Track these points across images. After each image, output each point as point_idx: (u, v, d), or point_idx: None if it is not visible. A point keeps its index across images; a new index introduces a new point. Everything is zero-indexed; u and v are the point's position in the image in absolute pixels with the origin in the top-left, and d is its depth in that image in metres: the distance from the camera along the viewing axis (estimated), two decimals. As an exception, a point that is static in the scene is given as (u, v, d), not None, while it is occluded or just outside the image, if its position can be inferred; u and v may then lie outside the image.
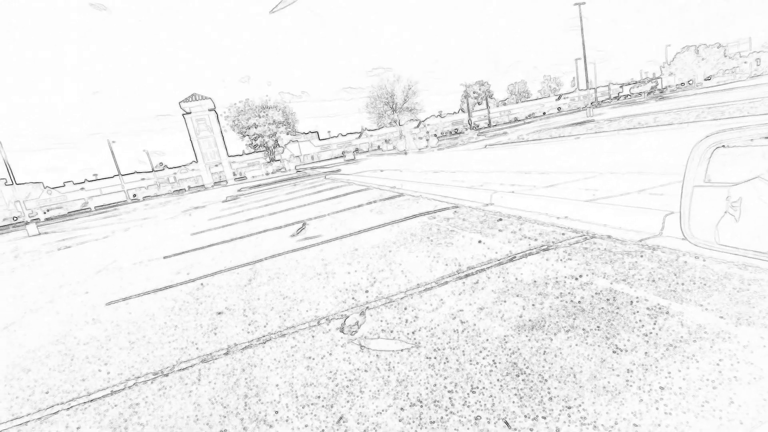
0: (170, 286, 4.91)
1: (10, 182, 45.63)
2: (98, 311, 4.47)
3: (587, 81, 45.66)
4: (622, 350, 2.01)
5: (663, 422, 1.54)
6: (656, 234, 3.49)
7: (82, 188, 52.56)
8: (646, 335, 2.09)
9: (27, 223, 21.54)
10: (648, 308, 2.34)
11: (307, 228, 3.95)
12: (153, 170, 55.37)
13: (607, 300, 2.52)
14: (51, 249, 12.40)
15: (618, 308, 2.40)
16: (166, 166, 55.85)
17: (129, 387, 2.60)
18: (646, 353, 1.95)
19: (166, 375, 2.66)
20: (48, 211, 46.89)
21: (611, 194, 4.71)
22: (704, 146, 1.02)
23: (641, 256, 3.08)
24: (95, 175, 53.24)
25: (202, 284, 4.72)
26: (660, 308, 2.31)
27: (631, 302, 2.44)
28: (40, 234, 20.70)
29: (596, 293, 2.63)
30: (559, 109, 70.48)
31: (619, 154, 7.94)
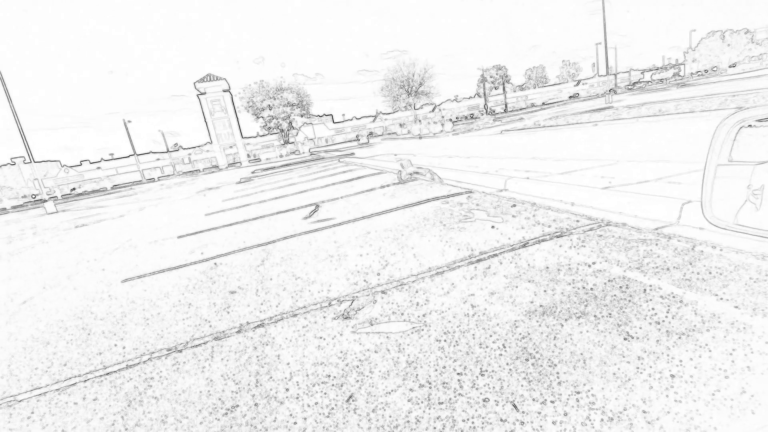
0: (184, 265, 5.01)
1: (28, 160, 46.61)
2: (114, 288, 4.59)
3: (607, 67, 44.26)
4: (633, 337, 1.99)
5: (672, 409, 1.53)
6: (673, 222, 3.42)
7: (99, 167, 53.47)
8: (659, 323, 2.07)
9: (45, 200, 22.07)
10: (661, 297, 2.31)
11: (320, 210, 3.96)
12: (168, 151, 55.98)
13: (620, 288, 2.49)
14: (68, 227, 12.72)
15: (630, 296, 2.37)
16: (181, 146, 56.38)
17: (144, 362, 2.68)
18: (657, 341, 1.93)
19: (180, 351, 2.73)
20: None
21: (628, 182, 4.61)
22: (730, 124, 0.99)
23: (656, 245, 3.03)
24: (111, 154, 54.05)
25: (215, 264, 4.81)
26: (674, 297, 2.28)
27: (644, 290, 2.41)
28: (57, 212, 21.22)
29: (609, 281, 2.60)
30: (576, 95, 68.61)
31: (638, 141, 7.75)
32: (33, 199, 46.97)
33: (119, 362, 2.73)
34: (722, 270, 2.48)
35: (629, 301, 2.33)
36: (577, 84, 70.68)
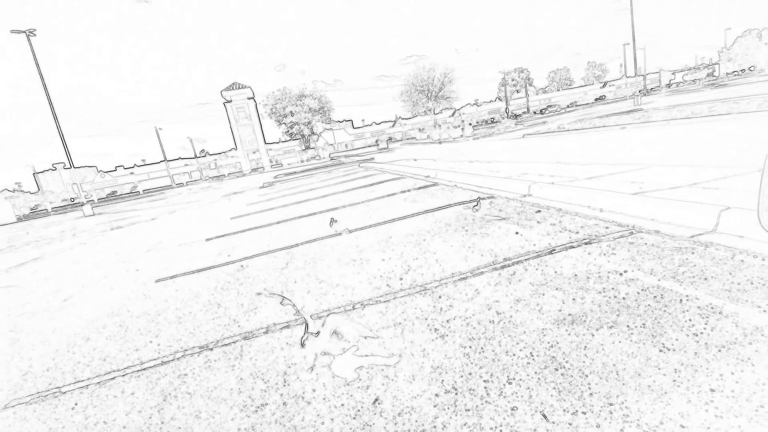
0: (212, 267, 5.16)
1: (68, 166, 49.01)
2: (148, 287, 4.77)
3: (636, 67, 42.87)
4: (669, 349, 1.93)
5: (713, 425, 1.48)
6: (710, 230, 3.29)
7: (132, 173, 55.75)
8: (696, 335, 2.00)
9: (83, 204, 23.16)
10: (699, 307, 2.22)
11: (337, 222, 4.00)
12: (196, 156, 57.80)
13: (654, 297, 2.41)
14: (104, 229, 13.30)
15: (666, 306, 2.30)
16: (207, 152, 58.14)
17: (177, 359, 2.78)
18: (695, 354, 1.87)
19: (211, 349, 2.82)
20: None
21: (660, 187, 4.47)
22: None
23: (692, 253, 2.92)
24: (143, 160, 56.32)
25: (242, 266, 4.93)
26: (712, 308, 2.19)
27: (681, 300, 2.33)
28: (94, 215, 22.21)
29: (642, 290, 2.53)
30: (602, 97, 66.84)
31: (670, 145, 7.48)
32: (72, 203, 49.43)
33: (154, 358, 2.84)
34: (765, 280, 2.37)
35: (664, 311, 2.26)
36: (604, 86, 68.87)
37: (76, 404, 2.45)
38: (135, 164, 56.03)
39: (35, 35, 22.06)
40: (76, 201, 51.58)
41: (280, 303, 3.25)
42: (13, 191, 51.19)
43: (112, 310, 4.18)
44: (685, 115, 12.65)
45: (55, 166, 52.87)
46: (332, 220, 3.89)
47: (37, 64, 21.99)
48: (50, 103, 22.33)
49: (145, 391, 2.43)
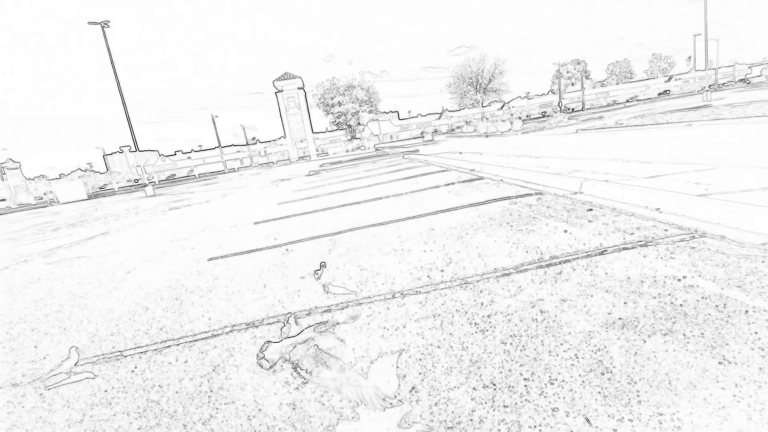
0: (260, 249, 5.40)
1: (133, 149, 52.78)
2: (201, 265, 5.09)
3: (707, 60, 39.12)
4: (730, 362, 1.79)
5: (778, 447, 1.37)
6: (787, 239, 2.98)
7: (189, 157, 59.25)
8: (763, 349, 1.84)
9: (145, 185, 24.99)
10: (767, 320, 2.04)
11: (326, 269, 4.03)
12: (247, 144, 60.33)
13: (716, 306, 2.24)
14: (164, 209, 14.28)
15: (729, 317, 2.13)
16: (258, 140, 60.46)
17: (226, 333, 2.96)
18: (760, 369, 1.72)
19: (257, 327, 2.97)
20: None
21: (729, 190, 4.10)
22: None
23: (763, 262, 2.67)
24: (200, 146, 59.66)
25: (287, 249, 5.12)
26: (785, 323, 2.00)
27: (746, 311, 2.15)
28: (155, 195, 23.88)
29: (702, 298, 2.35)
30: (666, 92, 61.77)
31: (743, 145, 6.82)
32: (135, 183, 53.59)
33: (206, 331, 3.04)
34: None
35: (726, 321, 2.10)
36: (669, 80, 63.59)
37: (135, 367, 2.68)
38: (192, 149, 59.49)
39: (109, 27, 23.84)
40: (140, 182, 55.78)
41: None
42: (85, 171, 56.22)
43: (169, 283, 4.51)
44: (761, 113, 11.45)
45: (122, 149, 57.40)
46: (321, 266, 3.92)
47: (110, 54, 23.81)
48: (120, 90, 24.16)
49: (196, 361, 2.61)
